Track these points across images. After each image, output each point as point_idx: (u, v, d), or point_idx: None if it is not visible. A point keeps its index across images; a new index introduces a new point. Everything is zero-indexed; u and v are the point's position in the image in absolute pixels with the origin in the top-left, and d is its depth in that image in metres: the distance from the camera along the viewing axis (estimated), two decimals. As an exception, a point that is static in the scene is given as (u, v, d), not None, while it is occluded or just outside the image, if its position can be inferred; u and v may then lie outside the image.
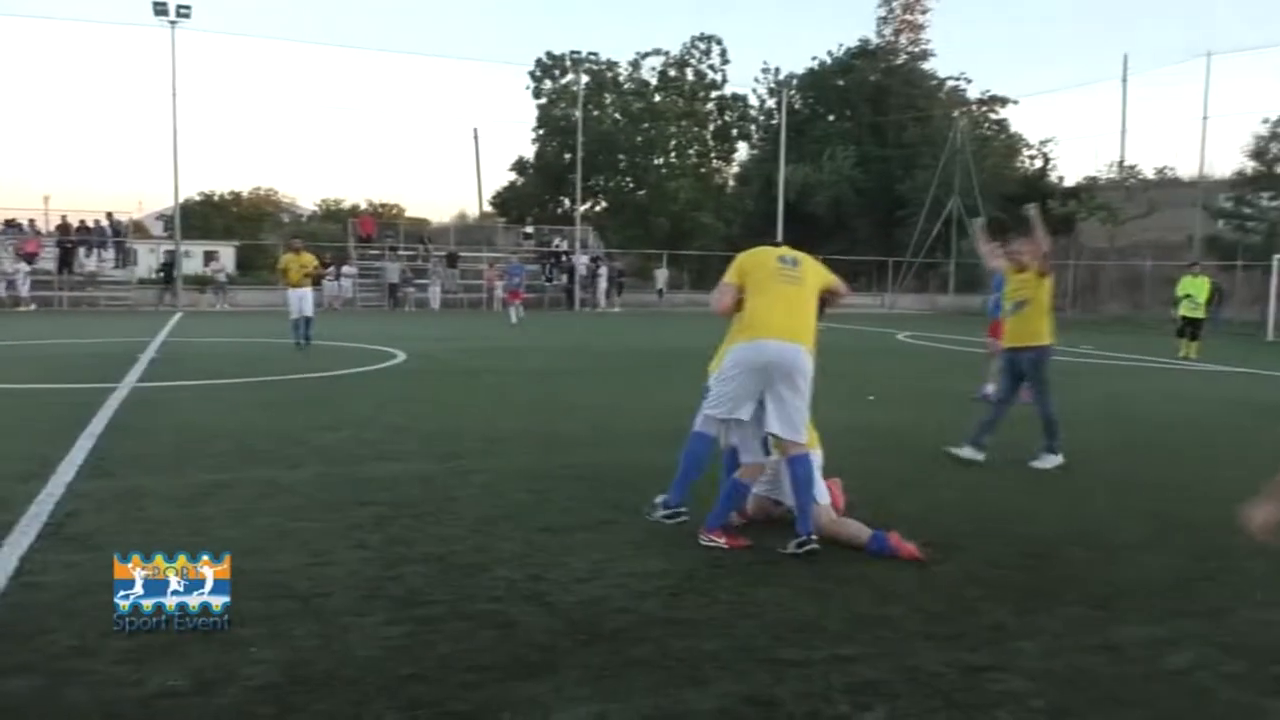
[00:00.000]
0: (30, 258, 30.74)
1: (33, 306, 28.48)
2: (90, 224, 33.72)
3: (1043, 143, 49.95)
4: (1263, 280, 29.14)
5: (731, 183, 53.16)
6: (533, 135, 48.92)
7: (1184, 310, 18.84)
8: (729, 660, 3.44)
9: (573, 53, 45.02)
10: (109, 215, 34.68)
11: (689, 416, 5.22)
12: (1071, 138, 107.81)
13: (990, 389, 7.27)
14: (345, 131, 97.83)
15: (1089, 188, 42.80)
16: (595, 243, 41.74)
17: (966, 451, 7.08)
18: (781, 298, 4.85)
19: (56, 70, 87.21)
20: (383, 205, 60.29)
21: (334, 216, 56.40)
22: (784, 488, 5.01)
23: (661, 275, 39.11)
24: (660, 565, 4.52)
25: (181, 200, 34.39)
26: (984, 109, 50.68)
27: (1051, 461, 7.08)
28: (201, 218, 49.98)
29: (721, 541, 4.78)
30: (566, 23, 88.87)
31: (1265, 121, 36.04)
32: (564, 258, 38.21)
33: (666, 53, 48.90)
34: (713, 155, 51.35)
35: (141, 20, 54.81)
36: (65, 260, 31.43)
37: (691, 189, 46.59)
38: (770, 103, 51.08)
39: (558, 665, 3.37)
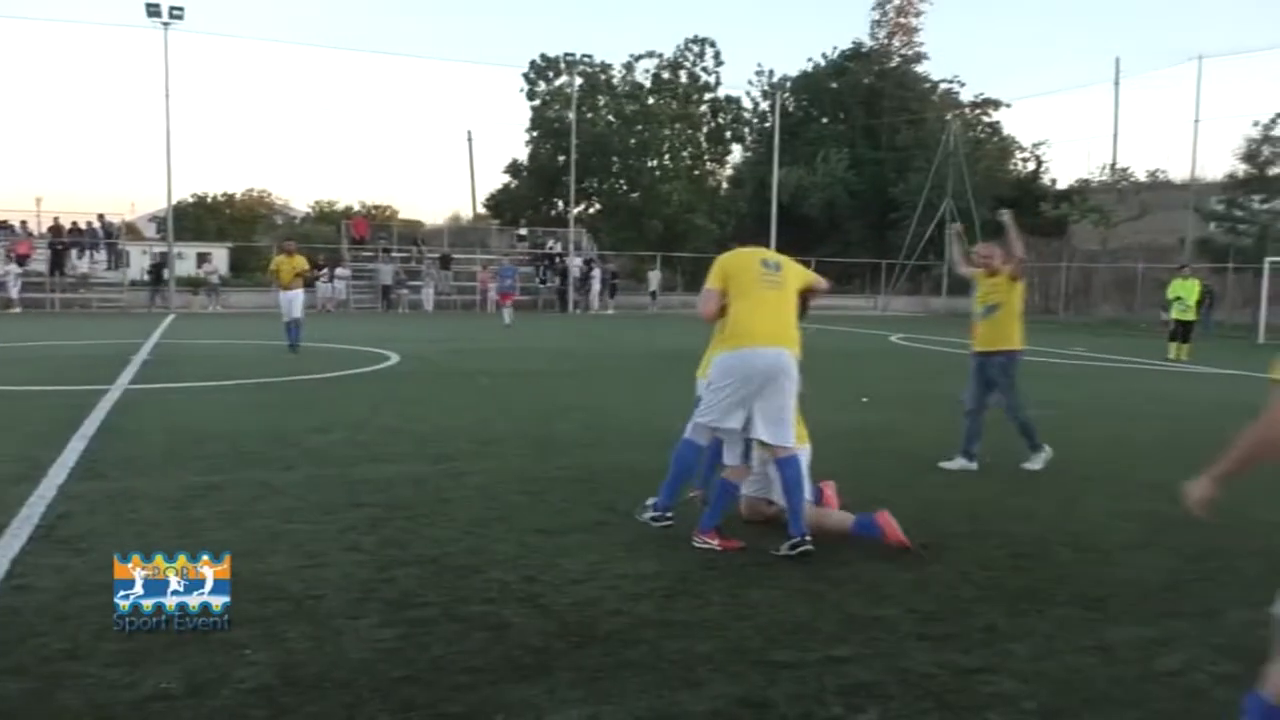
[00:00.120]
0: (22, 259, 30.63)
1: (19, 309, 28.32)
2: (82, 226, 33.62)
3: (1035, 145, 50.27)
4: (1254, 283, 29.26)
5: (725, 185, 53.18)
6: (526, 137, 48.90)
7: (1174, 313, 18.92)
8: (722, 662, 3.45)
9: (567, 55, 45.13)
10: (101, 217, 34.55)
11: (682, 418, 5.23)
12: (1064, 140, 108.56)
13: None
14: (339, 133, 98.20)
15: (1081, 190, 42.97)
16: (589, 245, 41.72)
17: (958, 463, 7.10)
18: (765, 302, 4.88)
19: (49, 72, 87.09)
20: (376, 207, 60.20)
21: (327, 218, 56.35)
22: (775, 488, 5.05)
23: (654, 277, 39.08)
24: (654, 567, 4.53)
25: (174, 202, 34.37)
26: (977, 112, 50.83)
27: (1041, 459, 7.10)
28: (194, 219, 49.91)
29: (715, 543, 4.79)
30: (560, 25, 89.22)
31: (1256, 124, 36.28)
32: (557, 260, 38.21)
33: (660, 55, 48.91)
34: (706, 158, 51.33)
35: (134, 21, 54.67)
36: (57, 262, 31.30)
37: (685, 191, 46.59)
38: (764, 105, 51.18)
39: (551, 667, 3.37)
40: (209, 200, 58.77)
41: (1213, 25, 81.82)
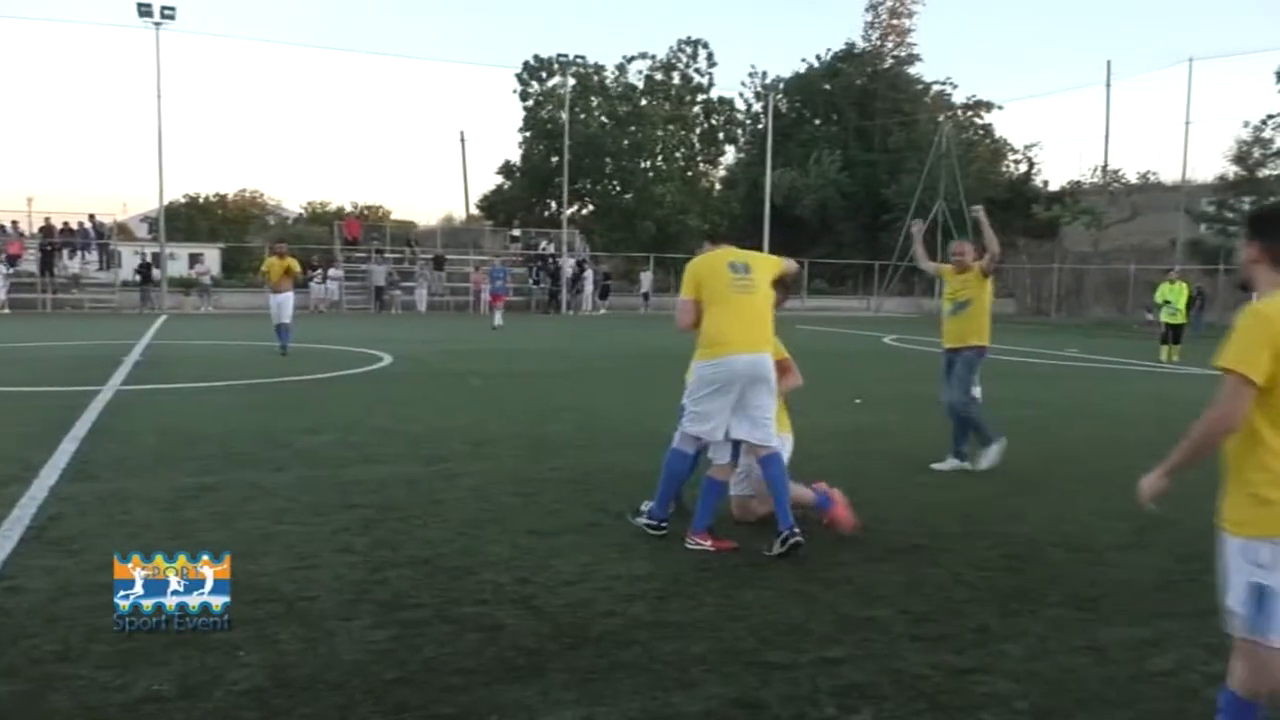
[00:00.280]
0: (13, 260, 30.48)
1: (7, 310, 28.17)
2: (74, 226, 33.47)
3: (1027, 147, 50.49)
4: (1244, 284, 29.34)
5: (718, 186, 53.20)
6: (519, 138, 48.81)
7: (1164, 317, 19.00)
8: (716, 663, 3.45)
9: (560, 56, 44.97)
10: (92, 217, 34.40)
11: (674, 419, 5.23)
12: (1056, 142, 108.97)
13: (977, 392, 7.29)
14: (331, 134, 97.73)
15: (1073, 192, 43.16)
16: (581, 246, 41.71)
17: (950, 464, 7.11)
18: (738, 308, 4.91)
19: (41, 71, 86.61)
20: (369, 208, 60.01)
21: (320, 219, 56.12)
22: (757, 481, 5.14)
23: (647, 278, 39.09)
24: (647, 568, 4.53)
25: (166, 202, 34.19)
26: (969, 113, 51.04)
27: (992, 454, 7.02)
28: (186, 220, 49.62)
29: (707, 544, 4.81)
30: (553, 26, 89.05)
31: (1247, 126, 36.51)
32: (550, 261, 38.19)
33: (653, 56, 48.92)
34: (699, 159, 51.34)
35: (126, 22, 54.58)
36: (48, 263, 31.17)
37: (678, 192, 46.56)
38: (757, 106, 51.21)
39: (544, 668, 3.37)
40: (201, 201, 58.49)
41: (1204, 28, 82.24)
